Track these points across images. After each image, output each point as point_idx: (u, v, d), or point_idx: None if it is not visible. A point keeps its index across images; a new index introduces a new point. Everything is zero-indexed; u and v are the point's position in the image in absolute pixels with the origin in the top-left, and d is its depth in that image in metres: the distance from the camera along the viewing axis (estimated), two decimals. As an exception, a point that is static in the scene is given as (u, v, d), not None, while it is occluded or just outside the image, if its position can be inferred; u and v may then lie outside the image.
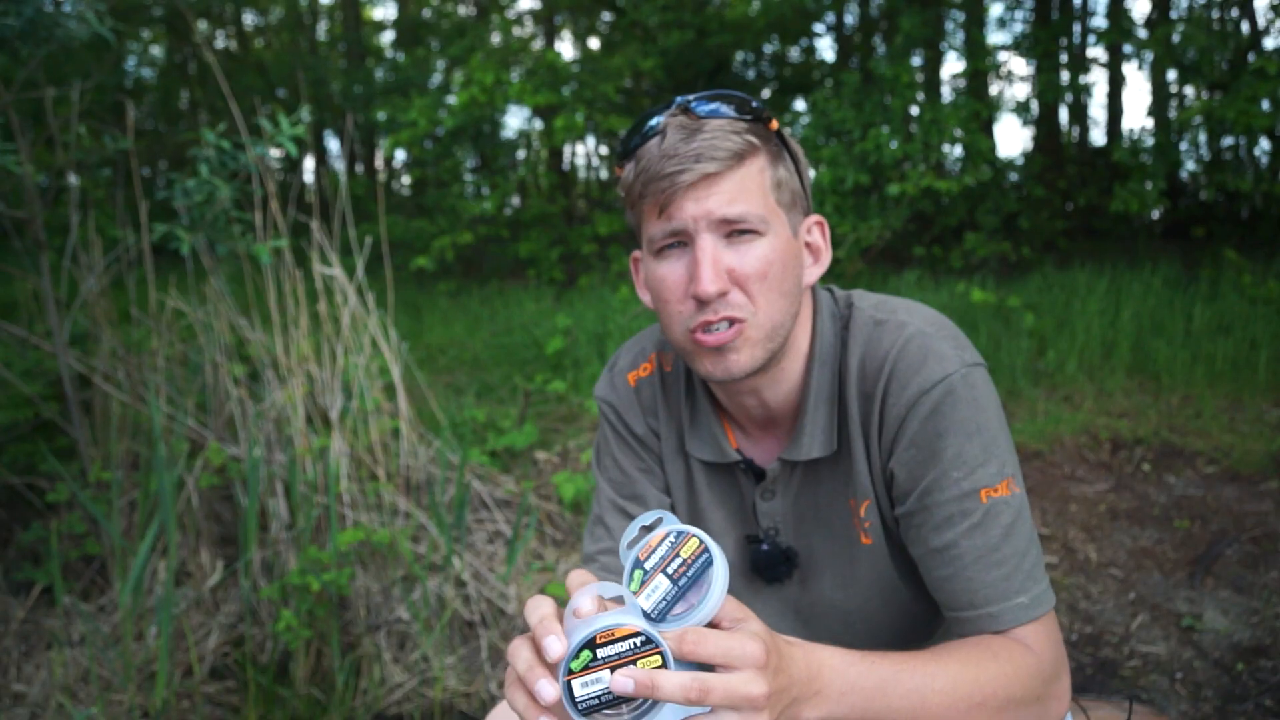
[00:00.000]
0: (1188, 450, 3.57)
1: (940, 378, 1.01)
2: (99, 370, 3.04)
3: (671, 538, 0.80)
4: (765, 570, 1.17)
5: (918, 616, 1.15)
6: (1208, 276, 5.59)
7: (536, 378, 4.72)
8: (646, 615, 0.77)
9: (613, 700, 0.75)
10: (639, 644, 0.76)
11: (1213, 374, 4.32)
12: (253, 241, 3.00)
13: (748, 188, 0.99)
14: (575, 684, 0.75)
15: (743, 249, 1.00)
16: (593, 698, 0.75)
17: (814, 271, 1.10)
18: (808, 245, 1.09)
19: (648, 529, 0.84)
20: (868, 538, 1.10)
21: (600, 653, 0.76)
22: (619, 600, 0.81)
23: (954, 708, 0.91)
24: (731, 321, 1.00)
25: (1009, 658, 0.96)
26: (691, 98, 1.01)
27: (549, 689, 0.73)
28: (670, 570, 0.78)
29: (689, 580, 0.78)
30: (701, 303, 0.99)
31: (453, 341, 6.01)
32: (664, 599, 0.77)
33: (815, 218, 1.11)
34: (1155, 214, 8.67)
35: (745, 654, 0.75)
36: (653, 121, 1.00)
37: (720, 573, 0.77)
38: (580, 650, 0.75)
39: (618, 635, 0.77)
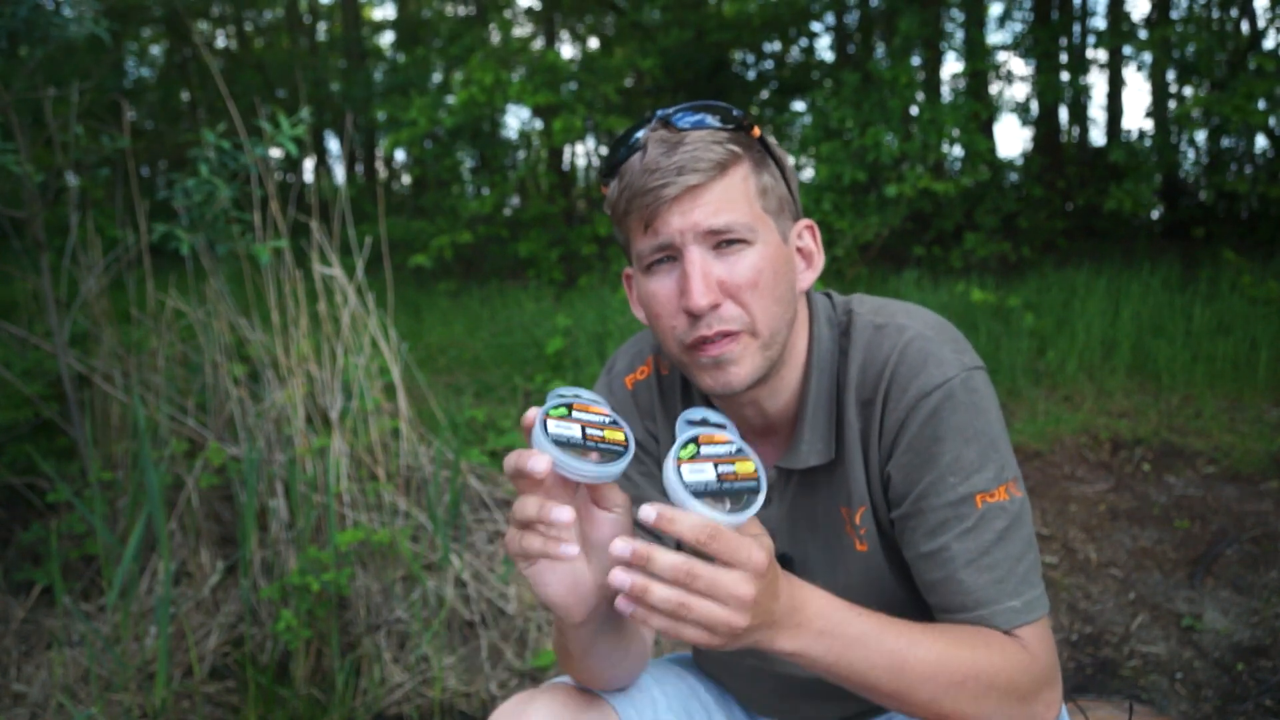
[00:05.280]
0: (1188, 450, 3.57)
1: (940, 382, 1.00)
2: (99, 370, 3.04)
3: (734, 448, 0.88)
4: None
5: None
6: (1207, 277, 5.58)
7: (536, 378, 4.72)
8: (684, 484, 0.81)
9: (580, 444, 0.83)
10: (607, 421, 0.87)
11: (1213, 374, 4.31)
12: (252, 241, 3.00)
13: (732, 197, 0.98)
14: (551, 422, 0.84)
15: (732, 259, 0.99)
16: (564, 436, 0.83)
17: (807, 276, 1.09)
18: (799, 250, 1.08)
19: (712, 424, 0.93)
20: (862, 544, 1.10)
21: (577, 415, 0.86)
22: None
23: (934, 679, 0.91)
24: (727, 334, 1.00)
25: (1000, 648, 0.96)
26: (672, 110, 1.00)
27: (539, 460, 0.81)
28: (721, 470, 0.84)
29: (731, 490, 0.83)
30: (694, 317, 0.99)
31: (453, 341, 6.00)
32: (704, 485, 0.82)
33: (805, 222, 1.10)
34: (1155, 214, 8.67)
35: (749, 558, 0.79)
36: (633, 137, 1.00)
37: (759, 504, 0.84)
38: (560, 405, 0.86)
39: (594, 410, 0.88)
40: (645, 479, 1.21)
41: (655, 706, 1.16)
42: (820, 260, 1.10)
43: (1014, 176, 8.13)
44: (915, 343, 1.03)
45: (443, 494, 2.96)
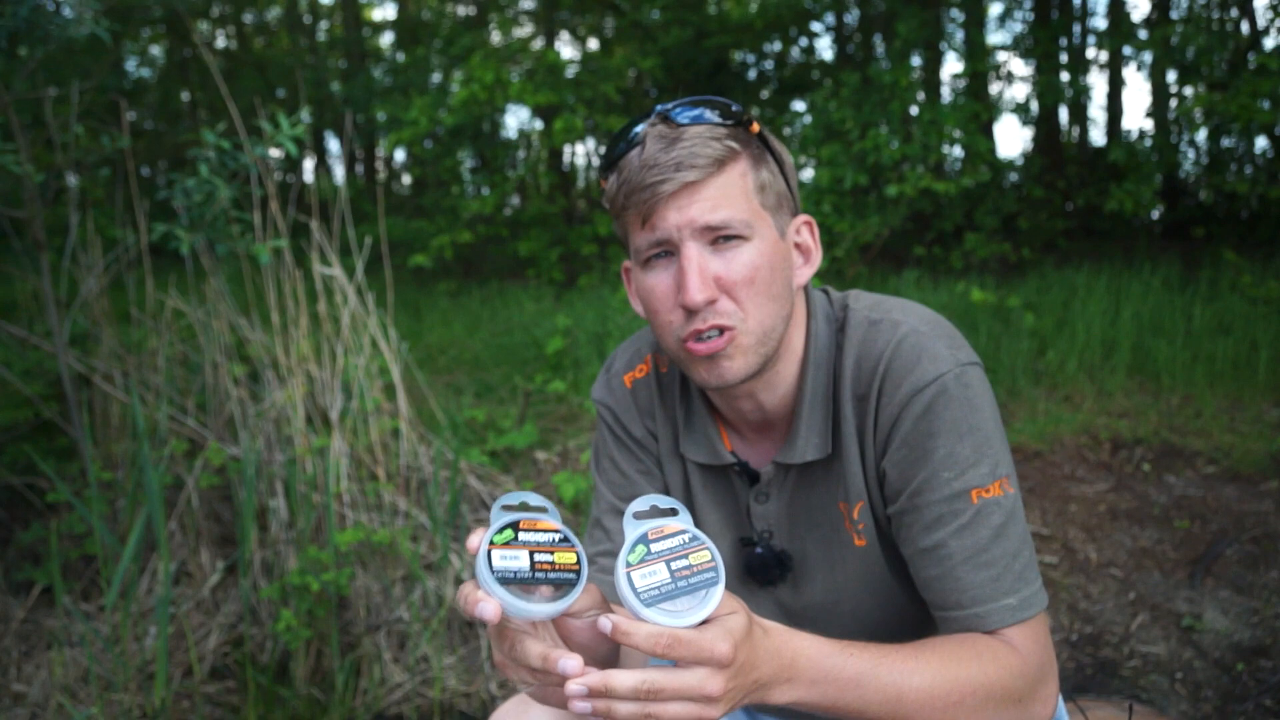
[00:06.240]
0: (1188, 450, 3.57)
1: (934, 377, 1.00)
2: (99, 370, 3.04)
3: (687, 537, 0.83)
4: (759, 573, 1.17)
5: (912, 618, 1.15)
6: (1207, 277, 5.58)
7: (536, 378, 4.71)
8: (636, 593, 0.78)
9: (528, 577, 0.79)
10: (557, 539, 0.82)
11: (1213, 374, 4.31)
12: (252, 241, 3.01)
13: (730, 194, 0.99)
14: (496, 555, 0.79)
15: (729, 255, 0.99)
16: (510, 572, 0.79)
17: (804, 272, 1.09)
18: (797, 246, 1.09)
19: (661, 511, 0.87)
20: (861, 539, 1.10)
21: (524, 535, 0.81)
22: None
23: (931, 704, 0.91)
24: (722, 330, 1.00)
25: (992, 657, 0.96)
26: (671, 105, 1.00)
27: (488, 607, 0.79)
28: (674, 566, 0.80)
29: (688, 587, 0.80)
30: (691, 312, 0.99)
31: (453, 341, 6.00)
32: (658, 589, 0.79)
33: (803, 217, 1.10)
34: (1155, 214, 8.67)
35: (712, 654, 0.78)
36: (633, 132, 1.00)
37: (718, 597, 0.80)
38: (505, 528, 0.81)
39: (542, 527, 0.82)
40: (643, 477, 1.21)
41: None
42: (818, 256, 1.10)
43: (1014, 177, 8.12)
44: (910, 338, 1.03)
45: (443, 494, 2.96)
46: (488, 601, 0.78)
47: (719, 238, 0.99)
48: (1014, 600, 0.98)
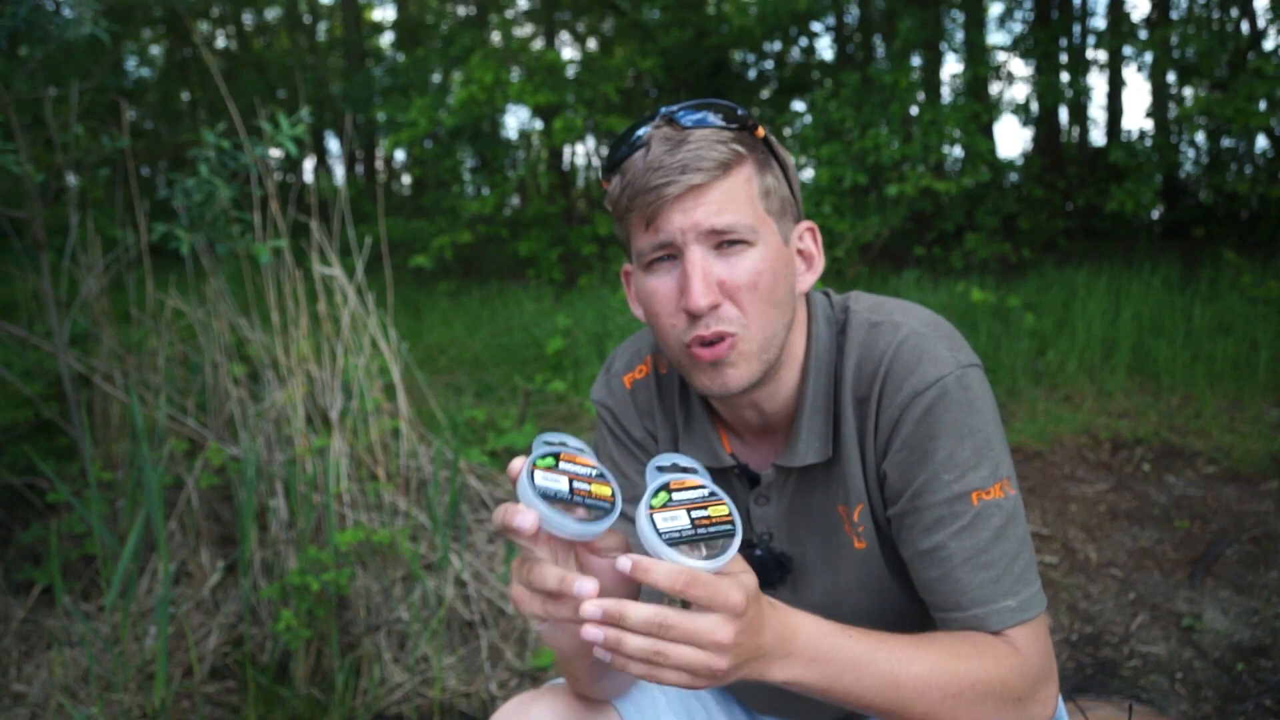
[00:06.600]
0: (1188, 450, 3.57)
1: (934, 379, 1.00)
2: (99, 370, 3.04)
3: (707, 492, 0.87)
4: (759, 576, 1.16)
5: (912, 620, 1.14)
6: (1207, 277, 5.58)
7: (536, 378, 4.72)
8: (658, 533, 0.81)
9: (567, 499, 0.83)
10: (595, 474, 0.87)
11: (1213, 374, 4.31)
12: (252, 241, 3.01)
13: (735, 197, 0.98)
14: (538, 474, 0.83)
15: (733, 260, 0.99)
16: (551, 490, 0.83)
17: (807, 279, 1.09)
18: (799, 252, 1.08)
19: (681, 469, 0.91)
20: (861, 542, 1.10)
21: (564, 465, 0.86)
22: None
23: (928, 693, 0.91)
24: (724, 336, 0.99)
25: (993, 654, 0.96)
26: (676, 108, 1.00)
27: (526, 517, 0.81)
28: (694, 515, 0.84)
29: (706, 535, 0.83)
30: (693, 316, 0.99)
31: (453, 341, 6.00)
32: (678, 532, 0.82)
33: (806, 224, 1.09)
34: (1155, 214, 8.66)
35: (726, 600, 0.79)
36: (637, 134, 0.99)
37: (735, 547, 0.83)
38: (548, 455, 0.86)
39: (581, 462, 0.87)
40: (643, 477, 1.21)
41: (656, 706, 1.16)
42: (820, 262, 1.10)
43: (1014, 177, 8.12)
44: (910, 340, 1.03)
45: (442, 494, 2.96)
46: (526, 513, 0.80)
47: (723, 242, 0.98)
48: (1014, 602, 0.98)
